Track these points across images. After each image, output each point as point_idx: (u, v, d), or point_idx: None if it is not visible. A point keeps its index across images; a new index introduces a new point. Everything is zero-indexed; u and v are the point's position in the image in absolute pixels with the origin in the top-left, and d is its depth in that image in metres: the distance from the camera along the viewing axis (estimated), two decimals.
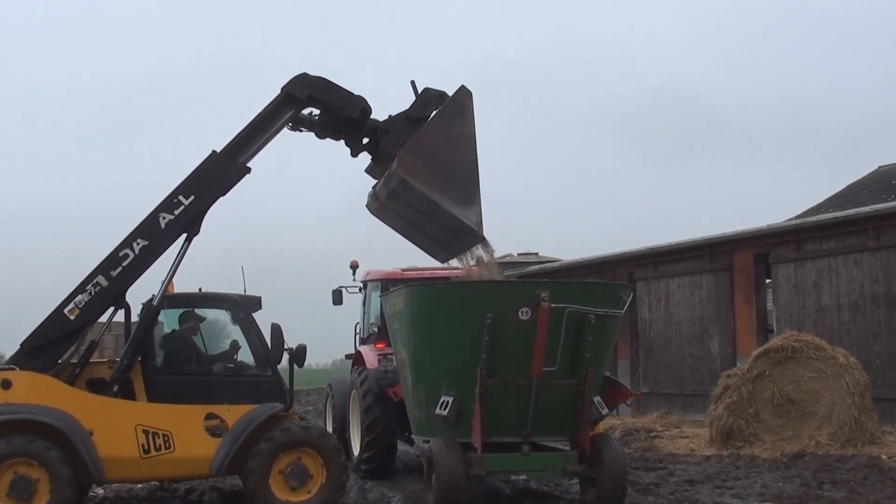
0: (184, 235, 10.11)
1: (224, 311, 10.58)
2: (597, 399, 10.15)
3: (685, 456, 14.40)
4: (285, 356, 10.13)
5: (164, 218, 9.97)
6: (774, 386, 14.61)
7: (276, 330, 10.04)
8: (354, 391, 13.12)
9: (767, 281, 19.07)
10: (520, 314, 9.47)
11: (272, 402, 9.90)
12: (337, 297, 15.38)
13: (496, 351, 9.48)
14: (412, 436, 11.95)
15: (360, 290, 15.25)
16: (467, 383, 9.56)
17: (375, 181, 10.96)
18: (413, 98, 10.75)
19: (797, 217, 22.56)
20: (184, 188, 10.08)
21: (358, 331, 15.23)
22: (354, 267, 15.33)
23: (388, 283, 13.49)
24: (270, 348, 10.06)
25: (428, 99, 10.62)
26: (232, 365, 10.40)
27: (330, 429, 14.90)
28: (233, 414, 9.76)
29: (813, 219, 18.44)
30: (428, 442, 10.29)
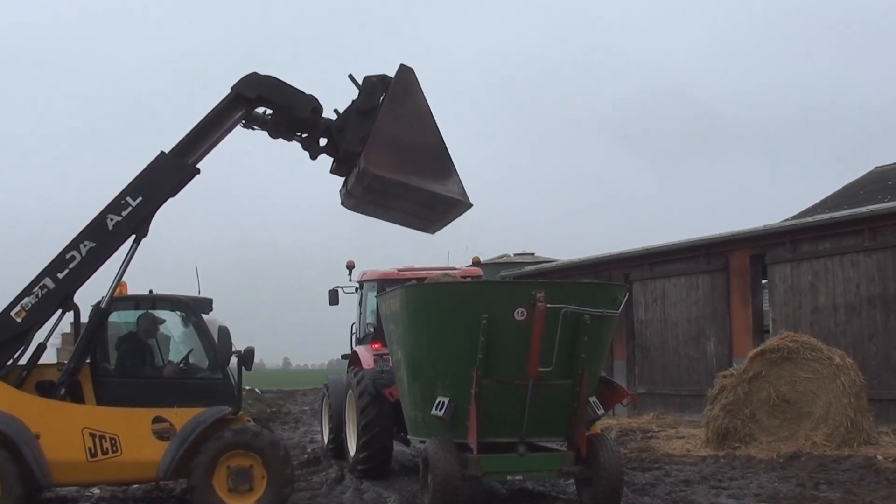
0: (132, 237, 9.99)
1: (175, 313, 10.44)
2: (593, 399, 10.13)
3: (681, 456, 14.40)
4: (234, 359, 10.00)
5: (111, 220, 9.84)
6: (771, 386, 14.63)
7: (224, 333, 9.90)
8: (351, 391, 13.11)
9: (763, 281, 19.09)
10: (516, 314, 9.44)
11: (221, 406, 9.83)
12: (333, 298, 15.37)
13: (492, 351, 9.45)
14: (408, 436, 11.92)
15: (356, 291, 15.23)
16: (463, 384, 9.54)
17: (344, 179, 10.86)
18: (356, 93, 10.52)
19: (793, 218, 22.59)
20: (131, 189, 9.94)
21: (354, 331, 15.22)
22: (351, 267, 15.33)
23: (384, 284, 13.48)
24: (218, 351, 9.93)
25: (372, 87, 10.45)
26: (183, 367, 10.31)
27: (326, 429, 14.92)
28: (181, 417, 9.67)
29: (809, 219, 18.46)
30: (424, 442, 10.26)
